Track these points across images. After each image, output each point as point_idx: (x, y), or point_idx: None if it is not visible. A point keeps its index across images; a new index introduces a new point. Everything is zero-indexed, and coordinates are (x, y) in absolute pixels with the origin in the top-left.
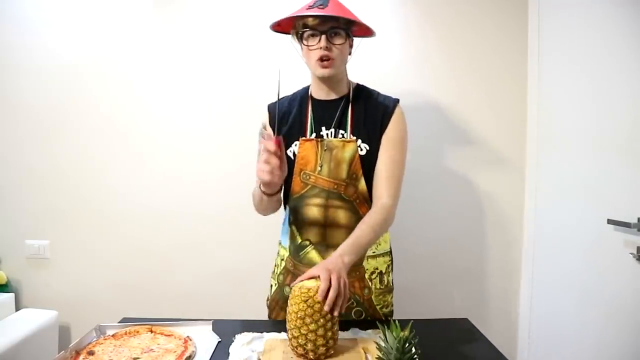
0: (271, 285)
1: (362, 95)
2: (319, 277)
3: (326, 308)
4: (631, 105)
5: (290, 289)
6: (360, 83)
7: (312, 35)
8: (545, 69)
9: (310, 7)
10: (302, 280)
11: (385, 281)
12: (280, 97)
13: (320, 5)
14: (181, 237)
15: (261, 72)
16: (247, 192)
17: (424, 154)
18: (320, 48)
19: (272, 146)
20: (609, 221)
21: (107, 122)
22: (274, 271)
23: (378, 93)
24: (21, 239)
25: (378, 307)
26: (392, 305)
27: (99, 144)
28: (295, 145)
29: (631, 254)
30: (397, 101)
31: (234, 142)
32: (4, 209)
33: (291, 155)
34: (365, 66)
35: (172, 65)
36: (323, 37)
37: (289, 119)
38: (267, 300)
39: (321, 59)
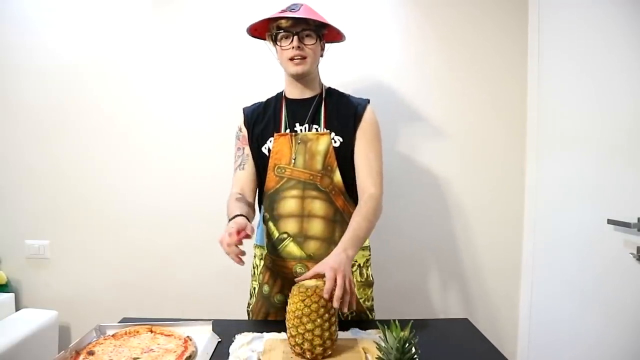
0: (250, 294)
1: (334, 94)
2: (324, 275)
3: (336, 305)
4: (631, 105)
5: (296, 281)
6: (332, 87)
7: (286, 37)
8: (545, 69)
9: (283, 11)
10: (307, 279)
11: (365, 274)
12: (254, 102)
13: (293, 9)
14: (181, 237)
15: (261, 72)
16: None
17: (423, 154)
18: (293, 47)
19: (234, 239)
20: (609, 221)
21: (107, 122)
22: (253, 274)
23: (350, 95)
24: (21, 239)
25: (361, 300)
26: (372, 300)
27: (99, 144)
28: (270, 141)
29: (631, 254)
30: (368, 101)
31: (233, 143)
32: (4, 209)
33: (265, 151)
34: (366, 66)
35: (172, 66)
36: (295, 37)
37: (263, 118)
38: (248, 306)
39: (293, 58)
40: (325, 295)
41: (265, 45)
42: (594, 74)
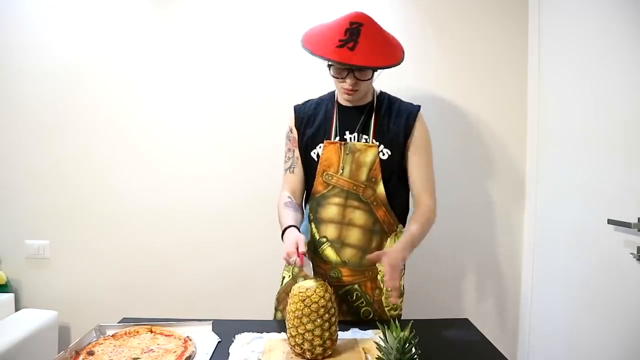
0: (283, 277)
1: (385, 102)
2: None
3: (394, 296)
4: (631, 105)
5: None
6: (384, 91)
7: (340, 69)
8: (546, 68)
9: (340, 46)
10: (376, 261)
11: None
12: (306, 100)
13: (350, 42)
14: (181, 237)
15: (261, 72)
16: (247, 193)
17: None
18: (347, 82)
19: (296, 262)
20: (609, 221)
21: (107, 122)
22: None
23: (400, 100)
24: (21, 239)
25: (387, 309)
26: (400, 309)
27: (99, 144)
28: (320, 147)
29: (631, 254)
30: (418, 108)
31: (234, 143)
32: (4, 209)
33: (314, 157)
34: None
35: (172, 66)
36: (350, 75)
37: (314, 122)
38: (278, 294)
39: (347, 91)
40: (388, 286)
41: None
42: (594, 74)
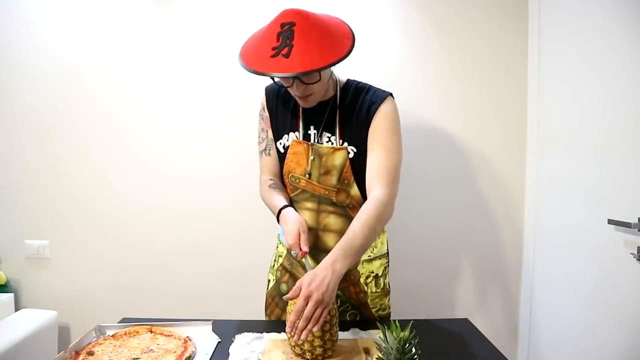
0: (269, 281)
1: (351, 93)
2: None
3: (287, 331)
4: (632, 105)
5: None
6: (351, 79)
7: (282, 78)
8: (546, 68)
9: (274, 55)
10: (293, 298)
11: (382, 284)
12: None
13: (285, 48)
14: (181, 237)
15: None
16: (247, 193)
17: (423, 153)
18: (296, 90)
19: (299, 255)
20: (610, 221)
21: (107, 122)
22: (272, 266)
23: (369, 88)
24: (21, 239)
25: (374, 310)
26: (389, 308)
27: (99, 144)
28: (286, 139)
29: (632, 254)
30: (385, 96)
31: (233, 143)
32: (4, 209)
33: (281, 148)
34: (366, 66)
35: (171, 65)
36: (296, 81)
37: (284, 106)
38: (265, 298)
39: (299, 98)
40: (293, 317)
41: None
42: (595, 74)
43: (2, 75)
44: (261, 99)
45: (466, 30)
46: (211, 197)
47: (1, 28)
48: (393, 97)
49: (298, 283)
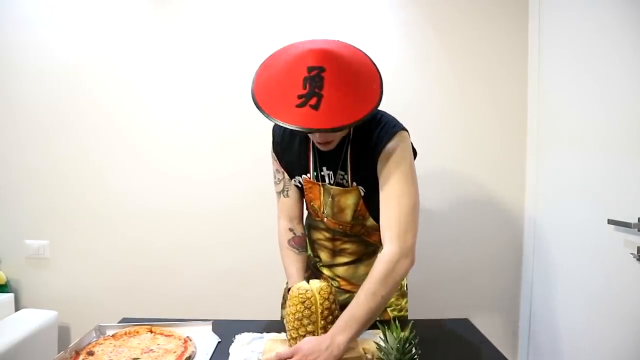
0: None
1: (362, 130)
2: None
3: None
4: (632, 105)
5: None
6: None
7: None
8: (546, 68)
9: (300, 105)
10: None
11: (400, 284)
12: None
13: (313, 98)
14: (181, 237)
15: None
16: (247, 193)
17: (423, 154)
18: (316, 136)
19: None
20: (610, 221)
21: (107, 122)
22: None
23: (380, 121)
24: (21, 239)
25: (389, 310)
26: (406, 310)
27: (98, 144)
28: (299, 181)
29: (631, 254)
30: (392, 133)
31: (233, 143)
32: (4, 209)
33: (297, 184)
34: None
35: (171, 66)
36: (318, 133)
37: (291, 147)
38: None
39: (319, 144)
40: None
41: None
42: (595, 73)
43: (1, 75)
44: (272, 139)
45: (466, 31)
46: (211, 197)
47: (0, 28)
48: (405, 130)
49: (296, 346)
